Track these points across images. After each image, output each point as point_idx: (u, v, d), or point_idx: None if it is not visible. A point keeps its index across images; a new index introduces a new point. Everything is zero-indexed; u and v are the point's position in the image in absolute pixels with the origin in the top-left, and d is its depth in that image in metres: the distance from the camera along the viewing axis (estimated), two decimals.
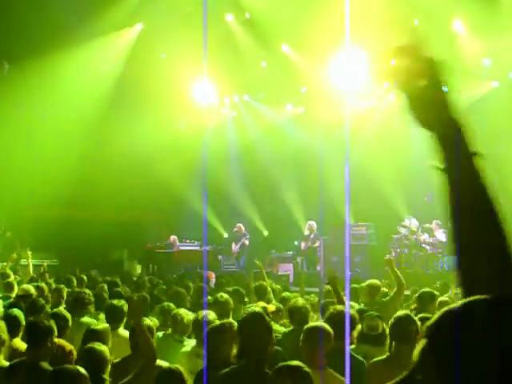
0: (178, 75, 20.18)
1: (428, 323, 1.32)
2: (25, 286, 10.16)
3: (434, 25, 16.93)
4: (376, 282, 9.42)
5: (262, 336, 4.67)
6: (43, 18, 17.52)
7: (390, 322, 5.83)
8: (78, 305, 8.07)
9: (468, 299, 1.29)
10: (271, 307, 8.07)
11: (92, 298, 8.27)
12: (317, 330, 5.23)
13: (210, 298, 8.53)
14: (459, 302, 1.30)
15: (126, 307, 7.11)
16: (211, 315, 6.61)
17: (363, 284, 9.55)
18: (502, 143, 17.54)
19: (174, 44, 19.31)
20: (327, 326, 5.34)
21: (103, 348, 5.27)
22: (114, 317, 7.13)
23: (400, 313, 5.94)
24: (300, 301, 7.40)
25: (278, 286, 11.98)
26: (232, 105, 24.20)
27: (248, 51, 20.16)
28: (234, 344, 5.16)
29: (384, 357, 5.64)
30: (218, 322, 5.80)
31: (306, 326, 5.39)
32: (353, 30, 15.78)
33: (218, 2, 18.28)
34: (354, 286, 10.01)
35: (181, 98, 21.55)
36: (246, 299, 9.57)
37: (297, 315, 6.92)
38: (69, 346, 6.23)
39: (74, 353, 6.14)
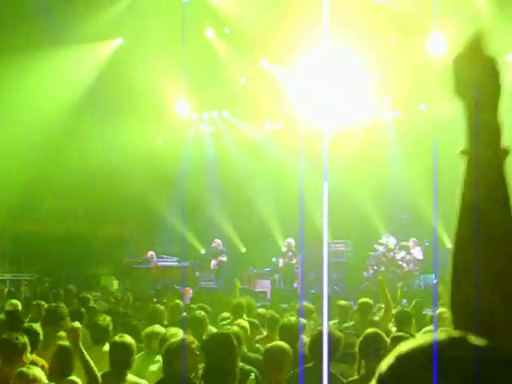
0: (157, 90, 20.13)
1: (383, 367, 1.11)
2: (13, 301, 10.11)
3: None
4: (368, 300, 9.27)
5: (226, 357, 4.66)
6: (19, 17, 17.21)
7: (359, 341, 5.79)
8: (54, 318, 7.96)
9: (444, 338, 1.10)
10: (244, 323, 8.03)
11: (65, 311, 8.19)
12: (278, 350, 5.22)
13: (186, 315, 8.48)
14: (428, 340, 1.10)
15: (110, 325, 7.10)
16: (176, 333, 6.52)
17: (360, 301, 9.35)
18: None
19: (153, 58, 19.26)
20: (287, 346, 5.32)
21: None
22: (98, 334, 7.08)
23: (369, 330, 5.90)
24: (292, 319, 7.34)
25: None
26: (211, 120, 24.19)
27: (227, 67, 20.19)
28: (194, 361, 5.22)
29: (357, 377, 5.62)
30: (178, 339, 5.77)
31: (266, 347, 5.40)
32: (332, 45, 15.91)
33: (198, 17, 18.34)
34: (343, 303, 9.88)
35: (159, 113, 21.50)
36: (226, 315, 9.55)
37: (287, 333, 6.84)
38: (41, 362, 6.15)
39: (46, 368, 6.06)
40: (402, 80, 18.15)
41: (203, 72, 19.80)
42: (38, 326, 7.04)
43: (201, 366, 5.31)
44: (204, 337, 7.16)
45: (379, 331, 5.88)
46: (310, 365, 5.67)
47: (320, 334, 5.91)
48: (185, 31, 17.85)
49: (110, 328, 7.11)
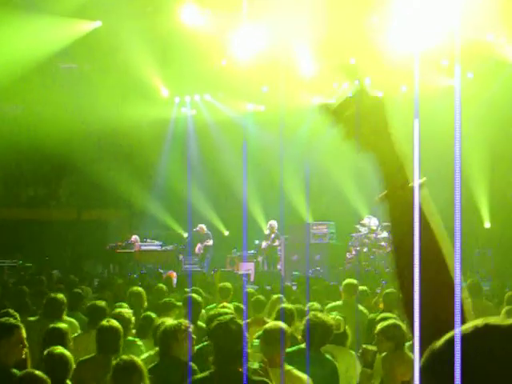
0: (137, 73, 20.03)
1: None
2: None
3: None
4: (352, 281, 9.31)
5: (236, 341, 4.71)
6: None
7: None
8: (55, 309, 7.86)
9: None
10: (229, 306, 8.11)
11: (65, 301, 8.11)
12: (276, 330, 5.30)
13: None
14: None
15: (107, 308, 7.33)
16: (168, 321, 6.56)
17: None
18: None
19: (133, 43, 19.11)
20: (286, 326, 5.41)
21: (66, 352, 5.24)
22: (95, 316, 7.15)
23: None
24: (289, 306, 7.39)
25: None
26: (192, 103, 24.13)
27: (208, 49, 20.09)
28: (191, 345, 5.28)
29: None
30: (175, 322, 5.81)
31: (265, 327, 5.47)
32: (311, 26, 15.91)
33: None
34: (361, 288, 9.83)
35: (139, 96, 21.38)
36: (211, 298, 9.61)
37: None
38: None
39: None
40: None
41: (184, 55, 19.71)
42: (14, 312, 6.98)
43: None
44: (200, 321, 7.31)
45: (325, 318, 5.99)
46: (303, 346, 5.78)
47: (315, 322, 5.97)
48: (164, 14, 17.82)
49: (108, 312, 7.24)
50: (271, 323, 5.60)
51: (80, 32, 19.41)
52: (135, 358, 4.78)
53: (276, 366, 5.10)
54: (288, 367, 5.15)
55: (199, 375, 4.83)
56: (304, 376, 5.12)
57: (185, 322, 5.64)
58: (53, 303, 7.79)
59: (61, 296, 8.00)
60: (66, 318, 7.78)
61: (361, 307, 8.70)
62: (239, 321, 4.97)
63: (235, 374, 4.55)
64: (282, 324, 5.45)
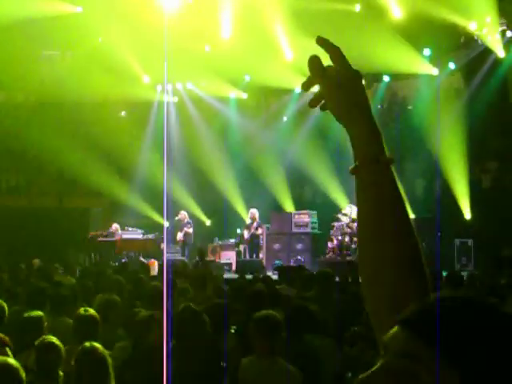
0: (118, 61, 19.93)
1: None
2: None
3: None
4: (328, 270, 9.36)
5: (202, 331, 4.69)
6: None
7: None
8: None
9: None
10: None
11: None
12: (268, 319, 5.22)
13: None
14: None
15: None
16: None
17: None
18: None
19: (112, 29, 18.98)
20: (278, 315, 5.33)
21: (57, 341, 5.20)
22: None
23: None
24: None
25: None
26: (174, 91, 24.06)
27: (191, 35, 20.02)
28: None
29: None
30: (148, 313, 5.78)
31: (256, 315, 5.36)
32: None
33: None
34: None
35: (120, 84, 21.27)
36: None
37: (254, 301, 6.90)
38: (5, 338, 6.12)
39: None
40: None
41: (165, 41, 19.61)
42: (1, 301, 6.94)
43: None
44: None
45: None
46: (285, 334, 5.75)
47: (300, 307, 5.96)
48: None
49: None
50: (263, 312, 5.48)
51: (60, 13, 19.09)
52: (54, 339, 4.76)
53: (266, 357, 5.05)
54: (279, 359, 5.09)
55: None
56: (295, 369, 5.07)
57: (158, 312, 5.61)
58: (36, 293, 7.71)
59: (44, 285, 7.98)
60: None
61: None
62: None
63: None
64: (273, 313, 5.37)
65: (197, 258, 16.46)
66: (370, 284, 1.51)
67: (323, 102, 1.62)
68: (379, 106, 21.76)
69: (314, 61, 1.58)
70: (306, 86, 1.63)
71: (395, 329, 1.14)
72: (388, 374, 1.10)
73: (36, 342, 5.20)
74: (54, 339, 5.06)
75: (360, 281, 1.56)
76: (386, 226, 1.51)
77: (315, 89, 1.63)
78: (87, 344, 4.69)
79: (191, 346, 5.06)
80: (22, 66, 19.90)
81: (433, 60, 20.01)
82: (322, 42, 1.59)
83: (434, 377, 1.06)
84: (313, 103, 1.63)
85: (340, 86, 1.57)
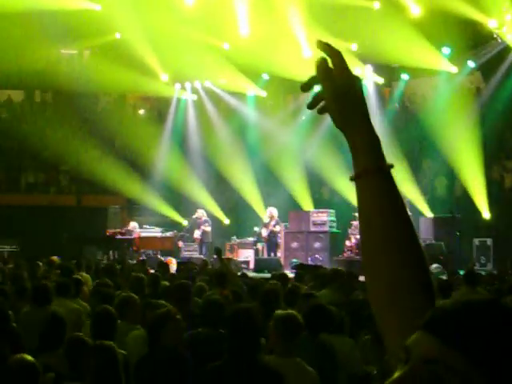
0: (134, 59, 19.97)
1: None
2: None
3: None
4: (341, 269, 9.35)
5: (257, 328, 4.63)
6: None
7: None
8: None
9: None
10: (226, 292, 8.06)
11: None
12: (289, 319, 5.17)
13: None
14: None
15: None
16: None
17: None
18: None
19: (131, 26, 19.02)
20: (298, 315, 5.29)
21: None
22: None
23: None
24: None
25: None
26: (193, 90, 24.07)
27: (210, 34, 20.04)
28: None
29: None
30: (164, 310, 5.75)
31: (277, 315, 5.31)
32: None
33: None
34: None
35: (139, 83, 21.32)
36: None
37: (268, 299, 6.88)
38: None
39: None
40: None
41: (184, 41, 19.64)
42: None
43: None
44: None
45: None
46: (304, 333, 5.69)
47: (318, 306, 5.92)
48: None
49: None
50: (283, 312, 5.43)
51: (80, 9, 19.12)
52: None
53: (285, 357, 5.01)
54: (298, 359, 5.05)
55: (212, 364, 4.60)
56: (313, 370, 5.04)
57: (173, 309, 5.56)
58: (41, 290, 7.70)
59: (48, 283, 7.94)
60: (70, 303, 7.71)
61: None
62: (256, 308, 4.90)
63: (251, 363, 4.49)
64: (294, 313, 5.33)
65: (214, 257, 16.46)
66: (372, 289, 1.52)
67: (322, 104, 1.60)
68: (397, 105, 21.68)
69: (322, 63, 1.56)
70: (307, 87, 1.60)
71: (418, 333, 1.12)
72: (415, 381, 1.08)
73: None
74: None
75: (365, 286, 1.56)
76: (387, 234, 1.50)
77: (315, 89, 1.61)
78: (98, 342, 4.69)
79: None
80: (41, 65, 20.01)
81: (452, 58, 19.88)
82: (323, 45, 1.57)
83: (461, 382, 1.05)
84: (312, 105, 1.61)
85: (340, 94, 1.55)
